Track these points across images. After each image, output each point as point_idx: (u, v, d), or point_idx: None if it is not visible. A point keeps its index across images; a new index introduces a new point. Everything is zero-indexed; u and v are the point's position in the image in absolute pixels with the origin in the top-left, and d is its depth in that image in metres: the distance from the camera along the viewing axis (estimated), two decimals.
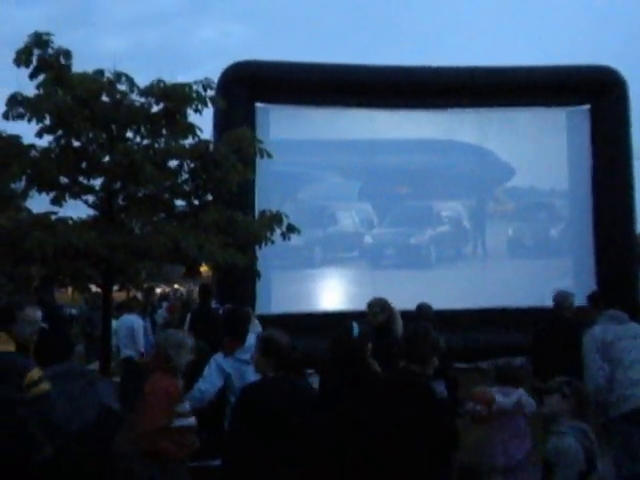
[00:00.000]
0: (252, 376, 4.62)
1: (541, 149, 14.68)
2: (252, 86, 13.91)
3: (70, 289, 11.43)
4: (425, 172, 15.09)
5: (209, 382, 5.28)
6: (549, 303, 8.09)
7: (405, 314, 6.77)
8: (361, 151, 14.84)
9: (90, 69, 8.71)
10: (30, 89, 8.49)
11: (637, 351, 5.44)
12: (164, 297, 28.33)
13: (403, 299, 8.30)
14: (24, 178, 8.30)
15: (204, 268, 10.66)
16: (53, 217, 8.16)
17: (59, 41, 8.42)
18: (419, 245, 15.16)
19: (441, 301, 9.65)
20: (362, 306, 6.81)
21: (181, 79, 8.76)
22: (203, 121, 9.53)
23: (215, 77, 10.60)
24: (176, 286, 42.09)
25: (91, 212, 9.04)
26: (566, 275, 14.89)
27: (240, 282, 11.80)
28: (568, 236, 15.20)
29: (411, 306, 7.60)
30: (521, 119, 14.89)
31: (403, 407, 3.85)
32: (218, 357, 5.38)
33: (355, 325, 4.63)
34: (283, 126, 14.24)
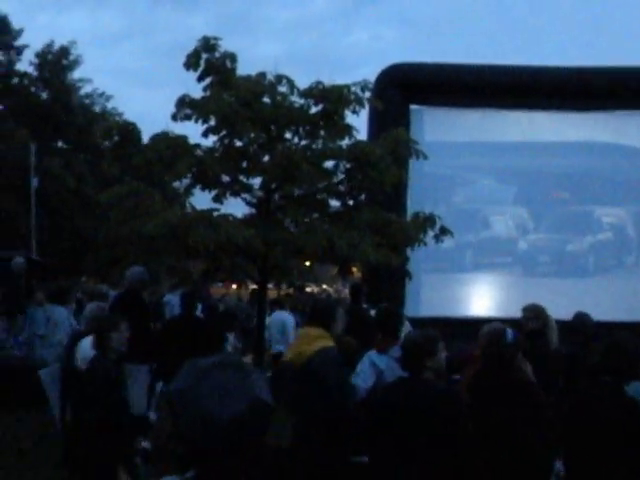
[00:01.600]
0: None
1: None
2: (407, 88, 13.87)
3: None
4: (586, 176, 14.46)
5: (362, 378, 5.32)
6: None
7: (558, 323, 6.53)
8: (517, 154, 14.44)
9: (251, 73, 9.06)
10: (197, 92, 8.94)
11: None
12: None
13: (557, 308, 8.05)
14: (189, 176, 8.72)
15: (354, 269, 10.76)
16: (215, 214, 8.50)
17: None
18: (576, 253, 14.52)
19: (598, 312, 9.21)
20: (513, 313, 6.63)
21: (337, 82, 8.90)
22: (358, 122, 9.64)
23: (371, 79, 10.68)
24: (324, 286, 42.78)
25: (247, 210, 9.41)
26: None
27: (390, 283, 11.81)
28: None
29: (565, 316, 7.30)
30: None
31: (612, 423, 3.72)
32: (372, 354, 5.42)
33: (509, 331, 4.53)
34: (437, 128, 14.10)
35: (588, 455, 3.83)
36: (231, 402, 5.97)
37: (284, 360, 5.54)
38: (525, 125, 14.12)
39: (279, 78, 8.94)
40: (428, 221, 9.25)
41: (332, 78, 8.88)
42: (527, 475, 4.04)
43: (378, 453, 3.91)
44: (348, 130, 8.83)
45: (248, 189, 8.97)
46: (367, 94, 9.05)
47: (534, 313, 6.41)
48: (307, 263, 10.54)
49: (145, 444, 5.84)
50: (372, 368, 5.33)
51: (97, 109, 33.67)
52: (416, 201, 13.12)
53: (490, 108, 14.26)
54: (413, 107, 14.21)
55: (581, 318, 7.12)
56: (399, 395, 3.98)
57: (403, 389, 3.95)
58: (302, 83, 8.97)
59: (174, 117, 8.83)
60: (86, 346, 5.72)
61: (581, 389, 4.40)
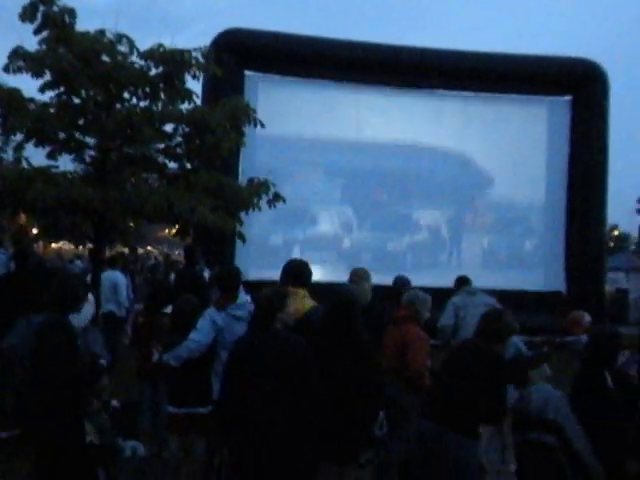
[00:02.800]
0: (242, 331, 5.01)
1: (521, 136, 15.14)
2: (242, 54, 14.11)
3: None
4: (406, 178, 15.49)
5: (203, 334, 5.60)
6: None
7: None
8: (346, 151, 15.15)
9: (89, 29, 8.93)
10: (32, 45, 8.68)
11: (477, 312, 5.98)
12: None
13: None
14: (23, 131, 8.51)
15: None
16: (53, 171, 8.39)
17: None
18: (396, 251, 15.51)
19: None
20: None
21: (166, 41, 8.96)
22: (193, 84, 9.78)
23: (202, 40, 10.82)
24: (149, 248, 42.15)
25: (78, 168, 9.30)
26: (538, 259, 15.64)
27: (222, 246, 12.15)
28: (542, 220, 15.75)
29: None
30: (504, 106, 15.30)
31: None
32: (212, 311, 5.68)
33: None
34: (271, 95, 14.43)
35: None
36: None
37: None
38: (352, 98, 14.80)
39: (119, 37, 8.91)
40: (262, 186, 9.62)
41: (173, 42, 8.97)
42: (358, 414, 4.63)
43: (239, 395, 4.29)
44: (188, 94, 8.99)
45: (85, 147, 8.91)
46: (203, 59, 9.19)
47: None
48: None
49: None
50: (212, 324, 5.61)
51: None
52: (249, 167, 13.49)
53: (322, 79, 14.78)
54: (248, 73, 14.51)
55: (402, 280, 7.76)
56: (256, 343, 4.40)
57: (259, 339, 4.38)
58: (134, 37, 8.98)
59: (6, 69, 8.56)
60: None
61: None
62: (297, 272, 5.54)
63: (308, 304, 5.28)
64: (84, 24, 8.84)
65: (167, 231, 36.02)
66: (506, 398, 4.52)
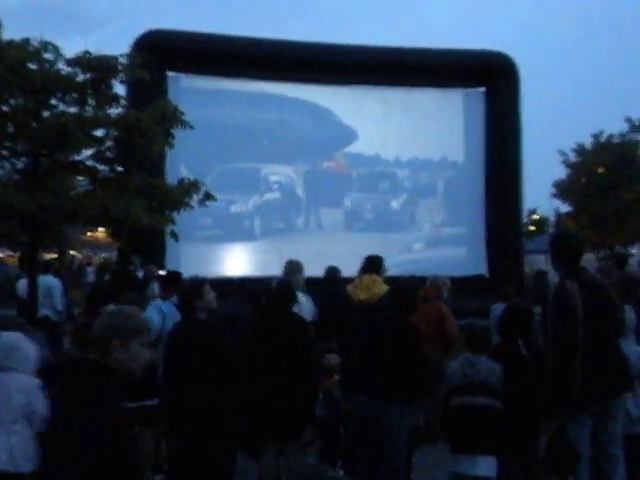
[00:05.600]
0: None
1: (439, 126, 15.76)
2: (164, 55, 14.26)
3: None
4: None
5: (153, 318, 6.05)
6: None
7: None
8: None
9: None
10: None
11: None
12: (88, 263, 28.29)
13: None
14: None
15: (104, 234, 11.03)
16: None
17: None
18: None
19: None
20: None
21: (79, 40, 9.10)
22: (118, 89, 9.96)
23: (116, 39, 10.95)
24: (72, 252, 41.53)
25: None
26: (461, 244, 16.19)
27: (154, 245, 12.37)
28: (461, 208, 16.31)
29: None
30: (422, 98, 15.89)
31: None
32: (158, 301, 6.30)
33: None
34: (195, 96, 14.59)
35: None
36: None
37: (359, 299, 6.97)
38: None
39: (45, 44, 9.02)
40: (193, 186, 9.88)
41: (99, 48, 9.16)
42: (299, 393, 5.06)
43: (174, 380, 4.66)
44: (116, 99, 9.20)
45: (16, 154, 9.01)
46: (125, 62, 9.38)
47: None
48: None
49: None
50: (158, 311, 6.17)
51: None
52: (175, 167, 13.68)
53: (245, 78, 15.06)
54: (170, 74, 14.69)
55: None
56: (179, 335, 4.80)
57: (182, 327, 4.80)
58: (48, 39, 9.04)
59: None
60: None
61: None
62: (377, 264, 7.19)
63: (384, 288, 6.61)
64: None
65: (89, 234, 35.63)
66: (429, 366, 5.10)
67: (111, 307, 6.98)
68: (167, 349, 4.86)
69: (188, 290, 4.94)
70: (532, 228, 45.14)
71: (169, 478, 4.98)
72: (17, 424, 4.17)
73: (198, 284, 4.99)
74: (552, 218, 40.82)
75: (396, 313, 5.25)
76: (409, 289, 5.61)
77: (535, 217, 48.25)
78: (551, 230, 38.90)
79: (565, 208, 33.84)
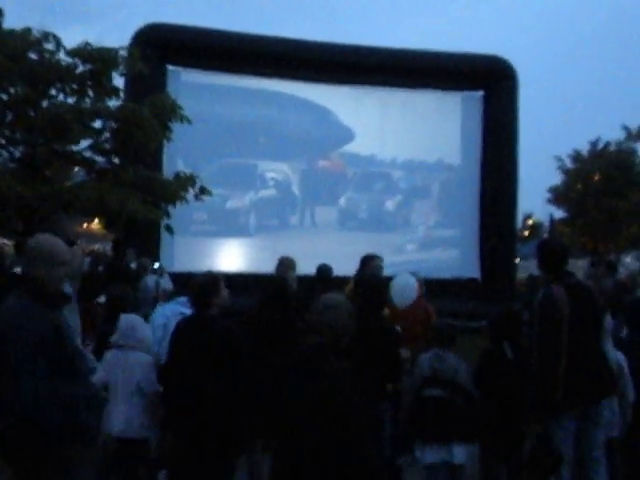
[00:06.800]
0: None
1: (437, 128, 15.82)
2: (164, 49, 14.29)
3: None
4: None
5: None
6: None
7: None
8: None
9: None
10: None
11: None
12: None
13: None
14: None
15: (99, 226, 11.02)
16: None
17: None
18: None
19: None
20: None
21: (79, 31, 9.18)
22: (117, 81, 10.01)
23: (117, 30, 10.98)
24: None
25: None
26: (454, 246, 16.23)
27: (149, 238, 12.37)
28: (456, 211, 16.34)
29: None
30: (420, 100, 15.94)
31: None
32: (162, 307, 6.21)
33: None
34: (194, 90, 14.63)
35: None
36: None
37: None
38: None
39: (45, 35, 9.06)
40: (189, 180, 9.95)
41: (100, 39, 9.23)
42: None
43: (177, 381, 4.64)
44: (115, 92, 9.25)
45: (14, 143, 9.05)
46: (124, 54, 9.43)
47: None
48: None
49: None
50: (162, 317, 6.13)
51: None
52: (172, 161, 13.71)
53: (242, 73, 15.08)
54: (170, 68, 14.72)
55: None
56: (191, 329, 4.76)
57: (193, 325, 4.73)
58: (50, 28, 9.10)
59: None
60: None
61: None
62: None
63: None
64: None
65: (85, 225, 35.59)
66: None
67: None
68: (176, 341, 4.79)
69: (205, 285, 4.88)
70: (527, 233, 45.20)
71: (171, 473, 4.98)
72: (135, 396, 4.75)
73: (215, 279, 4.96)
74: (547, 224, 40.87)
75: (365, 312, 5.26)
76: (376, 285, 5.60)
77: (530, 222, 48.29)
78: (545, 236, 38.94)
79: (560, 214, 33.87)
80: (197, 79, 15.06)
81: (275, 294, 5.43)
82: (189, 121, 9.57)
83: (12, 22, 9.11)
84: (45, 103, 9.04)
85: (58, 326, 3.51)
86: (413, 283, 6.43)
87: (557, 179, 32.10)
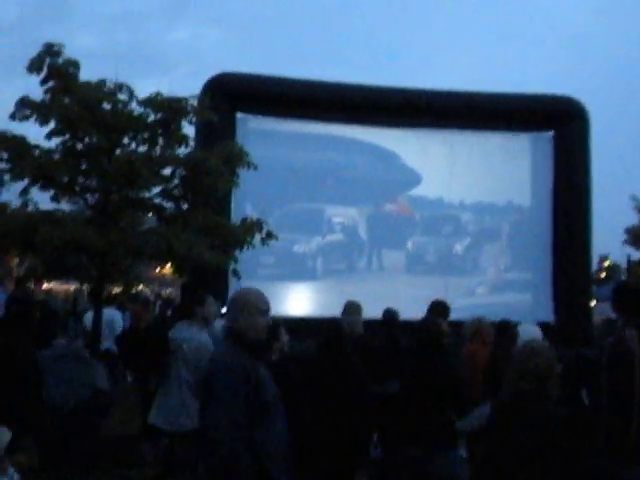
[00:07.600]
0: None
1: (506, 170, 15.62)
2: (233, 97, 14.62)
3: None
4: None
5: None
6: None
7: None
8: None
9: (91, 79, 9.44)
10: (36, 94, 9.19)
11: None
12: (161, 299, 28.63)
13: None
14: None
15: (168, 271, 11.19)
16: (59, 214, 8.83)
17: (37, 35, 9.10)
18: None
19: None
20: None
21: (154, 81, 9.54)
22: (187, 128, 10.26)
23: (189, 80, 11.28)
24: (140, 287, 42.32)
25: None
26: (526, 290, 15.86)
27: (215, 282, 12.52)
28: (527, 253, 16.01)
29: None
30: (489, 142, 15.81)
31: None
32: None
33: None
34: (261, 137, 14.88)
35: None
36: (75, 391, 6.59)
37: None
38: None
39: (119, 86, 9.41)
40: (255, 225, 10.07)
41: (171, 89, 9.51)
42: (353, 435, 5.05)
43: None
44: (185, 139, 9.50)
45: (87, 191, 9.35)
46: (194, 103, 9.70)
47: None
48: None
49: None
50: None
51: None
52: (240, 206, 13.93)
53: (312, 120, 15.30)
54: (239, 115, 15.03)
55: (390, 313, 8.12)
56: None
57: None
58: (123, 78, 9.47)
59: (13, 116, 9.05)
60: None
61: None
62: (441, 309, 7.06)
63: None
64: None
65: (158, 270, 36.34)
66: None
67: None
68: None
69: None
70: (603, 275, 44.03)
71: None
72: None
73: (275, 325, 5.03)
74: (624, 265, 39.74)
75: (424, 354, 5.19)
76: (430, 327, 5.53)
77: (606, 264, 47.06)
78: (622, 277, 37.79)
79: (637, 255, 32.94)
80: (265, 126, 15.33)
81: (329, 339, 5.41)
82: (255, 167, 9.71)
83: (88, 74, 9.49)
84: (118, 151, 9.32)
85: (260, 375, 3.66)
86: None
87: (634, 219, 31.29)
